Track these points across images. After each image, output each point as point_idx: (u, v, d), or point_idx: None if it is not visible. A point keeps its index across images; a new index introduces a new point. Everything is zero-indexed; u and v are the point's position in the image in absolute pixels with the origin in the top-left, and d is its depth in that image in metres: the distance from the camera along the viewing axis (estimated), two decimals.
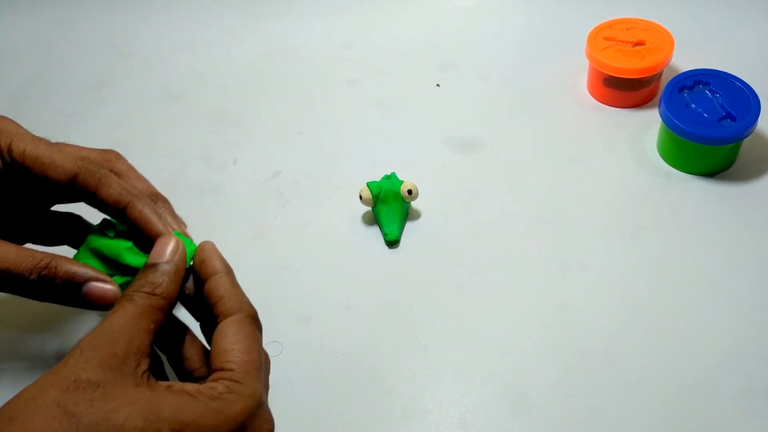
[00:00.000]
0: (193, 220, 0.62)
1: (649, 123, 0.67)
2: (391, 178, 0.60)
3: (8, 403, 0.34)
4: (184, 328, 0.43)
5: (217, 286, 0.41)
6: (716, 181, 0.62)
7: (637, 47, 0.67)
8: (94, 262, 0.45)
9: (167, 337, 0.42)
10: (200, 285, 0.42)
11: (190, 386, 0.37)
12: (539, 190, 0.62)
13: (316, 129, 0.69)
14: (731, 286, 0.55)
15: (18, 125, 0.46)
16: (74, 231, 0.50)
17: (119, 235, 0.46)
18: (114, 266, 0.45)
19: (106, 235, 0.46)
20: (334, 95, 0.72)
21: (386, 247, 0.59)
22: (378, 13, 0.80)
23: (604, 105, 0.69)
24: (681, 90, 0.63)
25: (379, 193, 0.59)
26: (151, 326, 0.38)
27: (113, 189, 0.45)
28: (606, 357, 0.51)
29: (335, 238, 0.60)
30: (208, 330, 0.42)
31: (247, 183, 0.64)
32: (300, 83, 0.73)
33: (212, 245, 0.43)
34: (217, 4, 0.83)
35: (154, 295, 0.39)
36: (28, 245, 0.47)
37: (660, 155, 0.64)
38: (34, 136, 0.46)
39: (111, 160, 0.48)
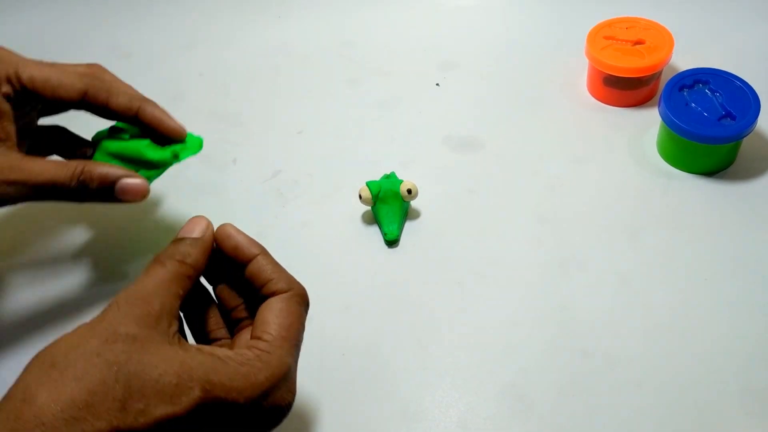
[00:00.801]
0: None
1: (649, 122, 0.66)
2: (390, 177, 0.60)
3: (47, 350, 0.36)
4: (208, 294, 0.45)
5: (261, 268, 0.42)
6: (716, 181, 0.62)
7: (637, 46, 0.67)
8: (116, 163, 0.51)
9: (190, 300, 0.44)
10: (237, 267, 0.43)
11: (219, 351, 0.39)
12: (539, 189, 0.62)
13: (316, 128, 0.69)
14: (731, 286, 0.55)
15: (13, 52, 0.50)
16: (61, 141, 0.55)
17: (134, 136, 0.51)
18: (137, 164, 0.51)
19: (121, 139, 0.52)
20: (334, 95, 0.72)
21: (386, 247, 0.59)
22: (378, 12, 0.80)
23: (603, 104, 0.69)
24: (681, 89, 0.63)
25: (379, 192, 0.59)
26: (180, 292, 0.40)
27: (122, 97, 0.50)
28: (606, 357, 0.51)
29: (335, 238, 0.60)
30: (251, 306, 0.44)
31: (247, 183, 0.64)
32: (300, 83, 0.73)
33: (234, 227, 0.44)
34: (217, 4, 0.83)
35: (184, 263, 0.41)
36: None
37: (660, 154, 0.64)
38: (34, 61, 0.50)
39: (97, 74, 0.52)
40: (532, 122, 0.68)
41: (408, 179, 0.59)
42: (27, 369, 0.36)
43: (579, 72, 0.71)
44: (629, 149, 0.65)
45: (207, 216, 0.61)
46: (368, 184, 0.59)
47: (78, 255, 0.60)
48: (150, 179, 0.51)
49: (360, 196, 0.59)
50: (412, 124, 0.69)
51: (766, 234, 0.58)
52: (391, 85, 0.73)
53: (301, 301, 0.42)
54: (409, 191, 0.58)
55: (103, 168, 0.48)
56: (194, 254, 0.41)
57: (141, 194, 0.49)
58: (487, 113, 0.69)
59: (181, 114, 0.67)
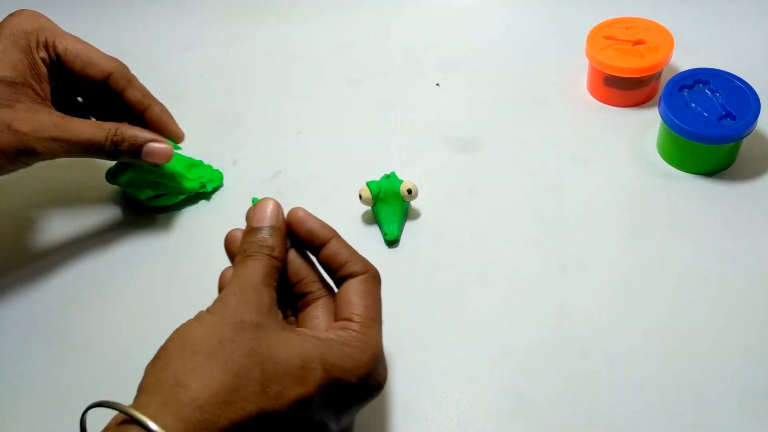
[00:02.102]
0: (193, 221, 0.62)
1: (649, 122, 0.66)
2: (390, 177, 0.60)
3: (183, 337, 0.38)
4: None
5: (337, 251, 0.45)
6: (716, 181, 0.62)
7: (637, 46, 0.67)
8: (152, 179, 0.59)
9: None
10: (310, 249, 0.46)
11: (320, 333, 0.41)
12: (539, 189, 0.62)
13: (316, 129, 0.69)
14: (731, 286, 0.55)
15: (55, 24, 0.56)
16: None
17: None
18: (171, 188, 0.60)
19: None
20: (334, 95, 0.72)
21: (386, 247, 0.59)
22: (378, 12, 0.80)
23: (604, 104, 0.69)
24: (681, 89, 0.63)
25: (379, 192, 0.59)
26: (275, 283, 0.43)
27: (138, 91, 0.57)
28: (606, 357, 0.51)
29: None
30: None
31: (247, 183, 0.64)
32: (300, 83, 0.73)
33: (305, 211, 0.46)
34: (217, 4, 0.83)
35: (273, 257, 0.43)
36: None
37: (660, 154, 0.64)
38: (73, 36, 0.55)
39: (123, 65, 0.58)
40: (532, 122, 0.68)
41: (408, 179, 0.59)
42: (168, 353, 0.37)
43: (579, 72, 0.71)
44: (629, 149, 0.65)
45: (209, 217, 0.62)
46: (368, 184, 0.59)
47: (80, 253, 0.60)
48: (175, 199, 0.61)
49: (360, 196, 0.59)
50: (412, 124, 0.69)
51: (766, 234, 0.58)
52: (391, 85, 0.73)
53: (377, 282, 0.45)
54: (409, 191, 0.58)
55: (133, 131, 0.54)
56: (278, 246, 0.44)
57: (165, 157, 0.55)
58: (487, 113, 0.69)
59: (181, 114, 0.68)
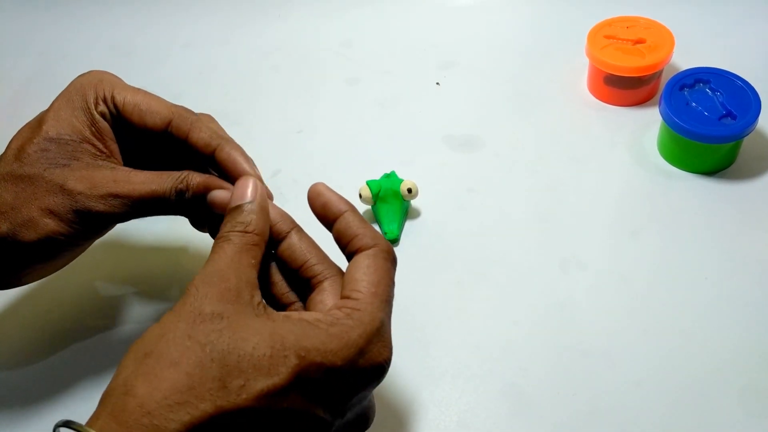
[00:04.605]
0: None
1: (649, 121, 0.66)
2: (390, 176, 0.60)
3: (138, 342, 0.36)
4: (269, 257, 0.43)
5: (348, 225, 0.42)
6: (716, 180, 0.62)
7: (638, 45, 0.67)
8: None
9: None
10: (327, 225, 0.43)
11: (308, 315, 0.38)
12: (539, 188, 0.62)
13: (315, 128, 0.69)
14: (731, 285, 0.55)
15: (118, 78, 0.49)
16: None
17: None
18: None
19: None
20: (334, 94, 0.72)
21: None
22: (378, 11, 0.80)
23: (604, 103, 0.69)
24: (681, 88, 0.62)
25: (379, 191, 0.59)
26: (252, 261, 0.39)
27: (204, 132, 0.47)
28: (606, 357, 0.51)
29: None
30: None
31: None
32: (300, 82, 0.73)
33: (325, 186, 0.44)
34: (217, 3, 0.83)
35: (248, 233, 0.40)
36: None
37: (660, 154, 0.64)
38: (133, 87, 0.48)
39: (186, 110, 0.49)
40: (533, 121, 0.68)
41: (408, 178, 0.59)
42: (122, 363, 0.36)
43: (579, 71, 0.71)
44: (630, 148, 0.65)
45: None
46: (368, 183, 0.59)
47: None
48: None
49: (360, 195, 0.59)
50: (412, 124, 0.68)
51: (766, 234, 0.58)
52: (391, 84, 0.72)
53: (387, 256, 0.41)
54: (410, 190, 0.58)
55: (201, 177, 0.46)
56: (255, 221, 0.41)
57: (222, 208, 0.45)
58: (488, 112, 0.69)
59: None
